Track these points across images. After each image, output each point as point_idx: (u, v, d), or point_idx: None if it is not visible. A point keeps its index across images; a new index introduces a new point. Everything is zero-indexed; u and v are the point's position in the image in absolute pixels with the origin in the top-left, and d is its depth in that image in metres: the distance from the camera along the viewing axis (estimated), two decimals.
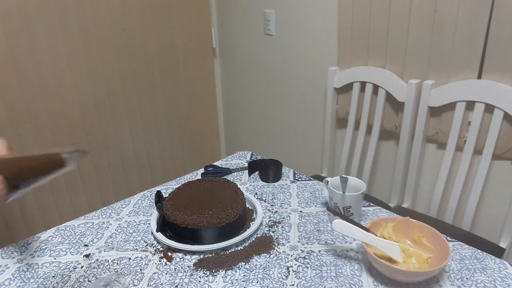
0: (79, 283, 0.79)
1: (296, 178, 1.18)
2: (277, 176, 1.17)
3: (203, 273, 0.81)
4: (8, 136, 1.73)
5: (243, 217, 0.94)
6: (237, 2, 2.04)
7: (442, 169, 1.38)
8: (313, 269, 0.81)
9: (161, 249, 0.89)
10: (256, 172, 1.21)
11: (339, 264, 0.82)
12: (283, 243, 0.89)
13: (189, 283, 0.78)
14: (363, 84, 1.55)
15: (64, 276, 0.82)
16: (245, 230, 0.91)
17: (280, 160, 1.21)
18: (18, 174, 0.63)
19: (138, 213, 1.04)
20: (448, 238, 0.86)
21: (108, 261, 0.85)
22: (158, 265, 0.84)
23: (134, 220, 1.01)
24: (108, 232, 0.96)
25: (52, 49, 1.60)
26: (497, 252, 1.26)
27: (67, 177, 1.77)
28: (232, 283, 0.78)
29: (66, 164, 0.66)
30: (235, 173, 1.23)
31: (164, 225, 0.93)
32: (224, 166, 1.26)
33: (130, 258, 0.86)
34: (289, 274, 0.80)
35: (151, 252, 0.88)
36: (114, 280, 0.78)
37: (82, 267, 0.84)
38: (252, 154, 1.35)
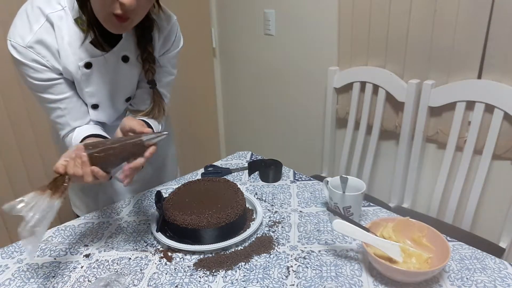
0: (79, 283, 0.79)
1: (296, 178, 1.18)
2: (277, 176, 1.17)
3: (203, 273, 0.81)
4: (7, 136, 1.72)
5: (243, 217, 0.94)
6: (237, 2, 2.04)
7: (442, 169, 1.38)
8: (313, 269, 0.81)
9: (161, 249, 0.89)
10: (256, 172, 1.21)
11: (339, 264, 0.82)
12: (283, 243, 0.89)
13: (189, 283, 0.78)
14: (363, 84, 1.55)
15: (64, 276, 0.82)
16: (245, 230, 0.91)
17: (280, 160, 1.21)
18: (106, 163, 0.76)
19: (138, 213, 1.04)
20: (448, 238, 0.86)
21: (108, 261, 0.85)
22: (158, 265, 0.84)
23: (134, 220, 1.01)
24: (108, 232, 0.96)
25: None
26: (497, 252, 1.26)
27: None
28: (232, 283, 0.78)
29: (146, 146, 0.77)
30: (235, 173, 1.23)
31: (164, 225, 0.93)
32: (224, 166, 1.26)
33: (130, 258, 0.86)
34: (289, 274, 0.80)
35: (151, 252, 0.88)
36: (114, 280, 0.78)
37: (82, 267, 0.84)
38: (252, 154, 1.35)
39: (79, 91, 0.94)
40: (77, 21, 0.86)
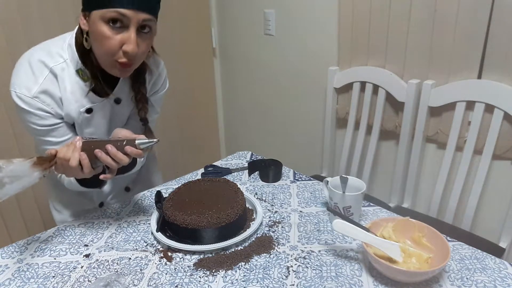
0: (79, 283, 0.79)
1: (296, 178, 1.18)
2: (277, 176, 1.17)
3: (203, 273, 0.81)
4: (7, 135, 1.72)
5: (243, 217, 0.94)
6: (237, 2, 2.04)
7: (442, 169, 1.38)
8: (313, 269, 0.81)
9: (161, 249, 0.89)
10: (256, 172, 1.21)
11: (339, 264, 0.82)
12: (283, 243, 0.89)
13: (189, 283, 0.78)
14: (363, 84, 1.55)
15: (64, 276, 0.81)
16: (245, 230, 0.91)
17: (280, 160, 1.21)
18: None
19: (138, 213, 1.04)
20: (448, 238, 0.86)
21: (108, 261, 0.85)
22: (158, 265, 0.84)
23: (134, 220, 1.01)
24: (108, 232, 0.96)
25: None
26: (497, 252, 1.26)
27: None
28: (232, 283, 0.78)
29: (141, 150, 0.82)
30: (235, 173, 1.23)
31: (164, 225, 0.93)
32: (224, 166, 1.26)
33: (130, 258, 0.86)
34: (289, 274, 0.80)
35: (151, 252, 0.88)
36: (114, 280, 0.78)
37: (82, 267, 0.84)
38: (252, 154, 1.35)
39: (78, 131, 1.00)
40: (78, 72, 0.92)
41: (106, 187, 1.15)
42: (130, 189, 1.21)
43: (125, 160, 0.81)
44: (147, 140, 0.82)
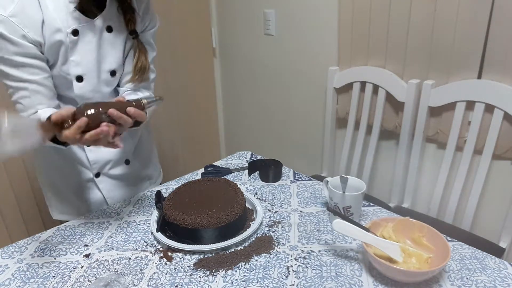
0: (79, 283, 0.79)
1: (296, 178, 1.18)
2: (277, 176, 1.17)
3: (203, 273, 0.81)
4: None
5: (243, 217, 0.94)
6: (237, 2, 2.04)
7: (442, 169, 1.38)
8: (313, 269, 0.81)
9: (161, 249, 0.89)
10: (256, 172, 1.21)
11: (339, 264, 0.82)
12: (283, 243, 0.89)
13: (189, 283, 0.78)
14: (363, 84, 1.55)
15: (64, 276, 0.82)
16: (245, 230, 0.91)
17: (280, 160, 1.21)
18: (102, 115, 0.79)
19: (138, 213, 1.04)
20: (448, 238, 0.86)
21: (108, 261, 0.85)
22: (158, 265, 0.84)
23: (134, 220, 1.01)
24: (108, 232, 0.96)
25: None
26: (497, 252, 1.26)
27: None
28: (232, 283, 0.78)
29: (145, 108, 0.85)
30: (235, 173, 1.23)
31: (164, 225, 0.93)
32: (224, 166, 1.26)
33: (130, 258, 0.86)
34: (289, 274, 0.80)
35: (151, 252, 0.88)
36: (114, 280, 0.78)
37: (82, 267, 0.84)
38: (252, 154, 1.35)
39: (62, 63, 0.95)
40: None
41: (106, 156, 1.12)
42: (129, 161, 1.18)
43: (129, 121, 0.81)
44: (152, 98, 0.86)
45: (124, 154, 1.16)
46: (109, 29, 0.98)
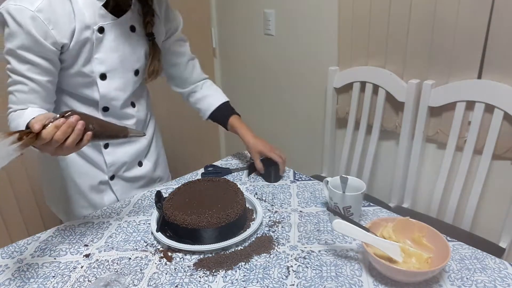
0: (79, 283, 0.79)
1: (296, 178, 1.18)
2: (277, 176, 1.17)
3: (203, 273, 0.81)
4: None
5: (243, 217, 0.94)
6: (237, 2, 2.04)
7: (442, 169, 1.38)
8: (313, 269, 0.81)
9: (161, 249, 0.89)
10: (256, 172, 1.21)
11: (339, 264, 0.82)
12: (283, 243, 0.89)
13: (189, 283, 0.78)
14: (363, 84, 1.55)
15: (64, 276, 0.82)
16: (245, 230, 0.91)
17: None
18: (100, 132, 0.81)
19: (138, 213, 1.04)
20: (448, 238, 0.86)
21: (108, 261, 0.85)
22: (158, 265, 0.84)
23: (134, 220, 1.01)
24: (108, 232, 0.96)
25: None
26: (497, 252, 1.26)
27: None
28: (232, 283, 0.78)
29: (128, 137, 0.87)
30: (235, 173, 1.23)
31: (164, 225, 0.93)
32: (224, 166, 1.26)
33: (130, 258, 0.86)
34: (289, 274, 0.80)
35: (151, 252, 0.88)
36: (114, 280, 0.78)
37: (82, 267, 0.84)
38: None
39: (84, 62, 0.95)
40: None
41: (122, 158, 1.13)
42: (142, 163, 1.20)
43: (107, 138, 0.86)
44: (136, 131, 0.88)
45: (138, 155, 1.18)
46: (133, 29, 1.00)
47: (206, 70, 2.03)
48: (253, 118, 2.23)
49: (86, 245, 0.91)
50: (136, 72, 1.07)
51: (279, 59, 1.94)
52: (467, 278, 0.77)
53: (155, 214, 0.97)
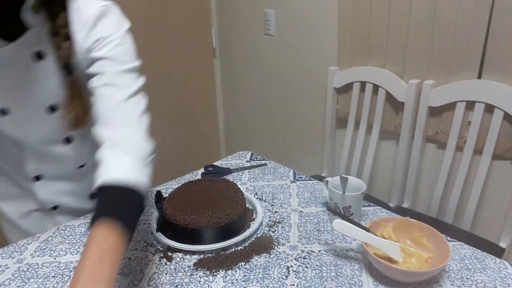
0: None
1: (296, 178, 1.18)
2: None
3: (203, 273, 0.81)
4: None
5: (243, 217, 0.94)
6: (237, 2, 2.04)
7: (442, 169, 1.38)
8: (313, 269, 0.81)
9: (161, 249, 0.89)
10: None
11: (339, 264, 0.82)
12: (283, 243, 0.89)
13: (189, 283, 0.78)
14: (363, 84, 1.55)
15: (64, 276, 0.81)
16: (245, 230, 0.91)
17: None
18: None
19: None
20: (448, 238, 0.86)
21: None
22: (158, 265, 0.84)
23: None
24: None
25: None
26: (497, 252, 1.26)
27: None
28: (232, 283, 0.78)
29: None
30: (235, 173, 1.23)
31: (164, 225, 0.93)
32: (224, 166, 1.26)
33: (130, 258, 0.86)
34: (289, 274, 0.80)
35: (151, 252, 0.88)
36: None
37: None
38: (252, 154, 1.35)
39: None
40: None
41: (53, 191, 0.97)
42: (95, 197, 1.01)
43: None
44: None
45: (84, 189, 0.99)
46: (39, 56, 0.76)
47: (206, 70, 2.03)
48: (253, 118, 2.24)
49: None
50: (52, 109, 0.82)
51: (279, 59, 1.94)
52: (467, 278, 0.77)
53: (155, 214, 0.97)
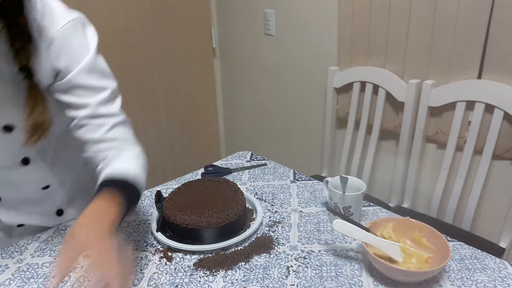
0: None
1: (296, 178, 1.18)
2: None
3: (203, 273, 0.81)
4: None
5: (243, 217, 0.94)
6: (237, 2, 2.04)
7: (442, 169, 1.38)
8: (313, 269, 0.81)
9: (161, 249, 0.89)
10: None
11: (339, 264, 0.82)
12: (283, 243, 0.89)
13: (189, 283, 0.78)
14: (363, 84, 1.55)
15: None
16: (245, 230, 0.91)
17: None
18: None
19: (138, 213, 1.04)
20: (448, 238, 0.86)
21: None
22: (158, 265, 0.84)
23: (134, 220, 1.00)
24: None
25: None
26: (497, 252, 1.26)
27: None
28: (232, 283, 0.78)
29: None
30: (235, 173, 1.23)
31: (164, 225, 0.93)
32: (224, 166, 1.26)
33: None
34: (289, 274, 0.80)
35: (151, 252, 0.88)
36: None
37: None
38: (252, 154, 1.35)
39: None
40: None
41: (16, 212, 0.91)
42: (63, 212, 0.97)
43: None
44: None
45: (49, 207, 0.95)
46: (9, 128, 0.74)
47: (206, 70, 2.03)
48: (253, 118, 2.24)
49: None
50: (8, 129, 0.77)
51: (279, 59, 1.94)
52: (467, 278, 0.77)
53: (155, 214, 0.97)
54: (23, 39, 0.68)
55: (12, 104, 0.74)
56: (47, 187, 0.91)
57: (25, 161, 0.85)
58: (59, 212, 0.97)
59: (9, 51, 0.69)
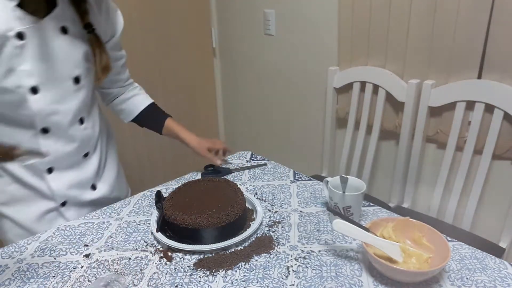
0: (79, 283, 0.79)
1: (296, 178, 1.18)
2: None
3: (203, 273, 0.81)
4: None
5: (243, 217, 0.94)
6: (237, 2, 2.04)
7: (442, 169, 1.38)
8: (313, 269, 0.81)
9: (161, 249, 0.89)
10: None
11: (339, 264, 0.82)
12: (283, 243, 0.89)
13: (189, 283, 0.78)
14: (363, 84, 1.55)
15: (64, 276, 0.82)
16: (245, 230, 0.91)
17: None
18: None
19: (138, 213, 1.04)
20: (448, 238, 0.86)
21: (108, 261, 0.85)
22: (158, 265, 0.84)
23: (134, 220, 1.01)
24: (108, 232, 0.96)
25: None
26: (497, 252, 1.26)
27: None
28: (232, 283, 0.78)
29: (15, 160, 0.70)
30: (235, 173, 1.23)
31: (164, 225, 0.93)
32: (224, 166, 1.26)
33: (130, 258, 0.86)
34: (289, 274, 0.80)
35: (151, 252, 0.88)
36: (114, 280, 0.78)
37: (82, 267, 0.84)
38: (252, 154, 1.35)
39: (8, 73, 0.80)
40: None
41: (69, 183, 1.02)
42: (96, 186, 1.09)
43: None
44: (28, 157, 0.71)
45: (88, 179, 1.07)
46: (64, 30, 0.85)
47: (206, 70, 2.04)
48: (253, 118, 2.24)
49: (86, 245, 0.91)
50: (76, 80, 0.92)
51: (279, 59, 1.94)
52: (467, 278, 0.77)
53: (155, 214, 0.97)
54: (83, 2, 0.87)
55: (82, 56, 0.91)
56: (86, 154, 1.04)
57: (81, 121, 0.99)
58: (93, 187, 1.09)
59: (75, 14, 0.87)
